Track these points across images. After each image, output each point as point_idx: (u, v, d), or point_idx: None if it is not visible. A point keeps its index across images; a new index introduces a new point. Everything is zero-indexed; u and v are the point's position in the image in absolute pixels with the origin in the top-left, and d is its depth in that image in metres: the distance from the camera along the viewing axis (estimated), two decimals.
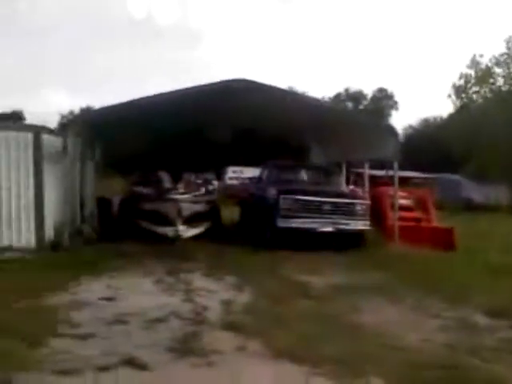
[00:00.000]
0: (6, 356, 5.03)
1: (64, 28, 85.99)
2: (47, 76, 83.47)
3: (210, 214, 13.68)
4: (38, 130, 11.31)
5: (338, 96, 66.82)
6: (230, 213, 16.63)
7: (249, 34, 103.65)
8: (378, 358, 5.32)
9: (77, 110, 60.26)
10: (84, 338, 5.73)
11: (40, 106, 70.64)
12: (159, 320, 6.46)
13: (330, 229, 11.96)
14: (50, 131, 12.08)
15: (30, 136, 10.97)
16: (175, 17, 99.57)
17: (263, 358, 5.30)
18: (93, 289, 8.09)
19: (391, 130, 13.71)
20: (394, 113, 68.06)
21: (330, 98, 62.16)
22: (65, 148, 11.66)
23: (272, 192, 12.35)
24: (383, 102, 68.67)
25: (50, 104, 73.79)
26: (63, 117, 60.83)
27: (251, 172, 27.55)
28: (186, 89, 12.30)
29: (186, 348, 5.42)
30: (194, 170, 23.24)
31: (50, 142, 11.49)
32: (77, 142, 12.43)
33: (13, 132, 11.09)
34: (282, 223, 11.72)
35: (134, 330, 6.08)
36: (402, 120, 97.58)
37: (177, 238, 11.78)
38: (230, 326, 6.21)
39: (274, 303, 7.35)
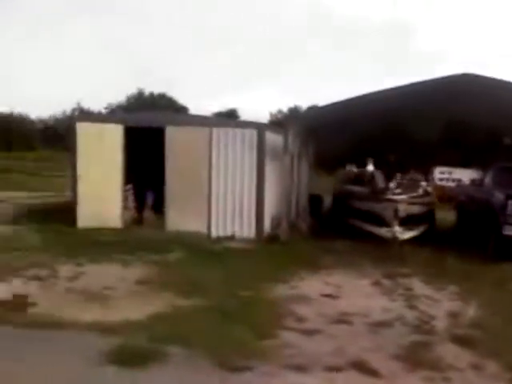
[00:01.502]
0: (240, 345, 5.29)
1: (269, 28, 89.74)
2: (257, 75, 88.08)
3: (427, 217, 13.03)
4: (261, 127, 11.92)
5: None
6: (441, 215, 15.71)
7: (464, 25, 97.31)
8: None
9: (285, 109, 62.94)
10: (310, 333, 5.80)
11: (250, 105, 74.98)
12: (383, 324, 6.28)
13: None
14: (272, 129, 12.65)
15: (254, 133, 11.58)
16: (384, 11, 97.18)
17: (504, 382, 4.79)
18: (312, 284, 8.21)
19: None
20: None
21: None
22: (286, 145, 12.08)
23: (499, 196, 11.25)
24: None
25: (259, 103, 77.89)
26: (272, 115, 63.80)
27: (461, 173, 25.75)
28: (400, 86, 11.89)
29: (416, 358, 5.15)
30: (398, 169, 22.50)
31: (272, 139, 12.01)
32: (295, 139, 12.81)
33: (238, 129, 11.82)
34: (509, 231, 10.62)
35: (359, 332, 5.99)
36: None
37: (392, 239, 11.42)
38: (461, 340, 5.75)
39: (508, 321, 6.65)
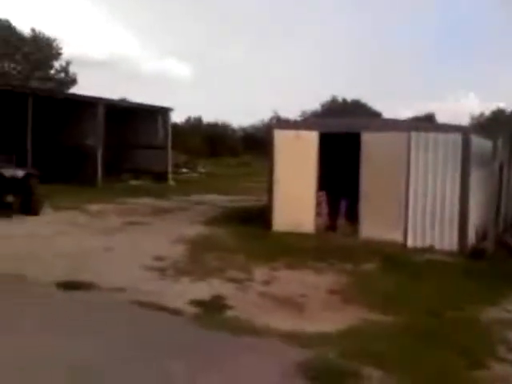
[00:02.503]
0: (446, 373, 4.72)
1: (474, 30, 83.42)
2: (456, 80, 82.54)
3: None
4: (466, 131, 10.93)
5: None
6: None
7: None
8: None
9: (487, 113, 58.31)
10: None
11: (449, 110, 70.33)
12: None
13: None
14: (477, 133, 11.54)
15: (458, 137, 10.66)
16: None
17: None
18: None
19: None
20: None
21: None
22: (494, 151, 10.93)
23: None
24: None
25: (458, 107, 72.72)
26: (473, 118, 59.63)
27: None
28: None
29: None
30: None
31: (478, 144, 10.95)
32: (505, 145, 11.54)
33: (440, 133, 10.97)
34: None
35: None
36: None
37: None
38: None
39: None
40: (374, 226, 11.21)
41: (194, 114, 61.13)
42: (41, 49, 43.64)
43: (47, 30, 53.54)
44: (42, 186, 13.88)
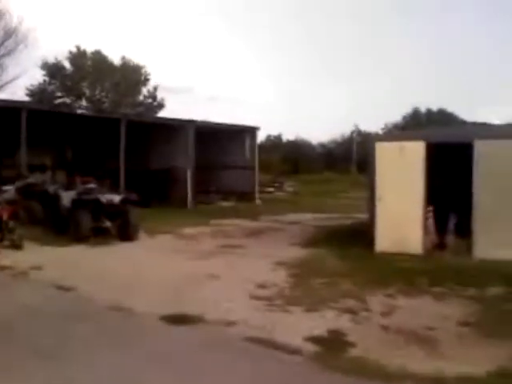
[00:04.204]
0: None
1: None
2: None
3: None
4: None
5: None
6: None
7: None
8: None
9: None
10: None
11: None
12: None
13: None
14: None
15: None
16: None
17: None
18: None
19: None
20: None
21: None
22: None
23: None
24: None
25: None
26: None
27: None
28: None
29: None
30: None
31: None
32: None
33: None
34: None
35: None
36: None
37: None
38: None
39: None
40: (490, 244, 10.12)
41: (271, 132, 61.04)
42: (129, 76, 45.19)
43: (135, 58, 55.33)
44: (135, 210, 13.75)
